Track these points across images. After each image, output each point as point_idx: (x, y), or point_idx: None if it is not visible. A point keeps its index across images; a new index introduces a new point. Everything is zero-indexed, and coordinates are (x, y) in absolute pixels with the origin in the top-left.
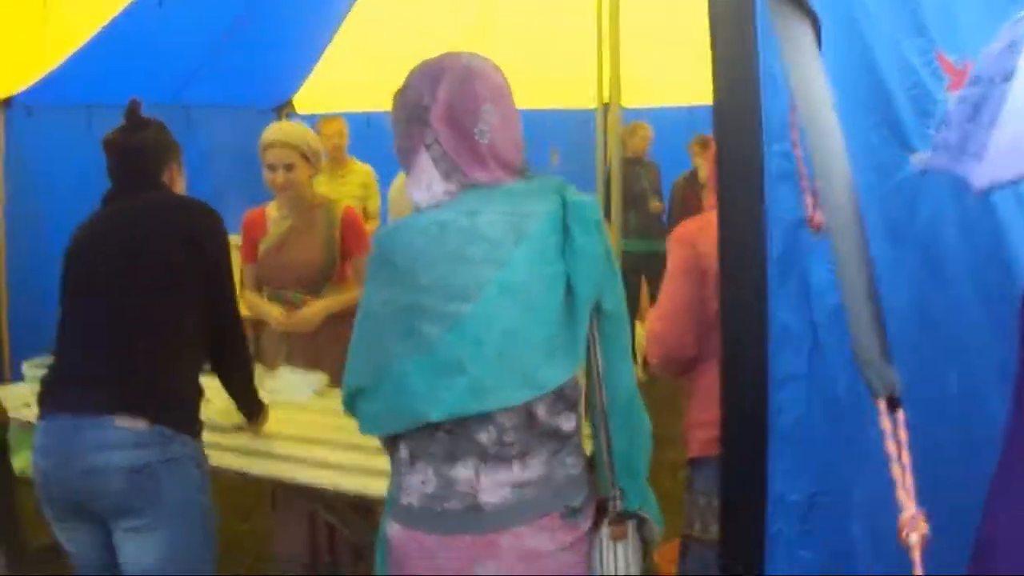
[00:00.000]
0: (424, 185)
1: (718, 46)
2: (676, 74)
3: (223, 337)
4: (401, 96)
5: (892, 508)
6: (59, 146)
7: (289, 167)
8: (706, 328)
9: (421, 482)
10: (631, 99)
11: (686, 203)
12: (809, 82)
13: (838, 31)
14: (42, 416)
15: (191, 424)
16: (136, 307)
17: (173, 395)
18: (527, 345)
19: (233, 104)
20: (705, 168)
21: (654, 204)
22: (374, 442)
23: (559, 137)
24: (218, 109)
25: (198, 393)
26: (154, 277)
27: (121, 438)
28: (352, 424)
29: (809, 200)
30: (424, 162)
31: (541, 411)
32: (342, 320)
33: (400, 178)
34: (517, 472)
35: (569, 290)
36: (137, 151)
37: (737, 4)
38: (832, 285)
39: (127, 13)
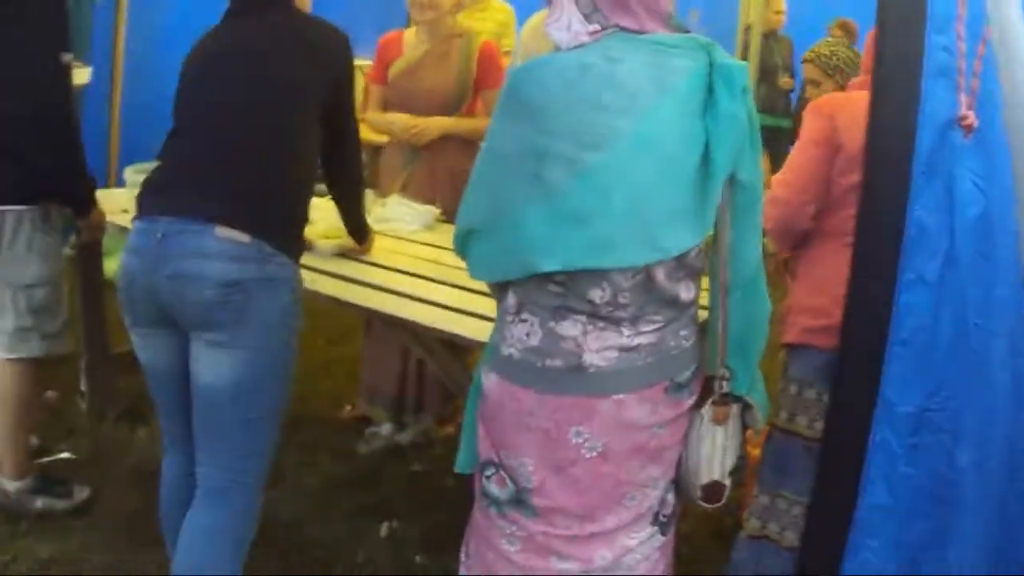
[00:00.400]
0: (564, 24)
1: None
2: None
3: (340, 153)
4: None
5: (1004, 446)
6: None
7: None
8: (828, 204)
9: (526, 334)
10: None
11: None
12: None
13: None
14: (139, 216)
15: (293, 245)
16: (250, 121)
17: (279, 212)
18: (655, 205)
19: None
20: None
21: (784, 80)
22: (477, 284)
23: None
24: None
25: (305, 216)
26: (271, 93)
27: (220, 248)
28: (455, 262)
29: (963, 99)
30: (565, 1)
31: (660, 275)
32: (462, 153)
33: (534, 18)
34: (627, 336)
35: (706, 154)
36: None
37: None
38: (975, 195)
39: None
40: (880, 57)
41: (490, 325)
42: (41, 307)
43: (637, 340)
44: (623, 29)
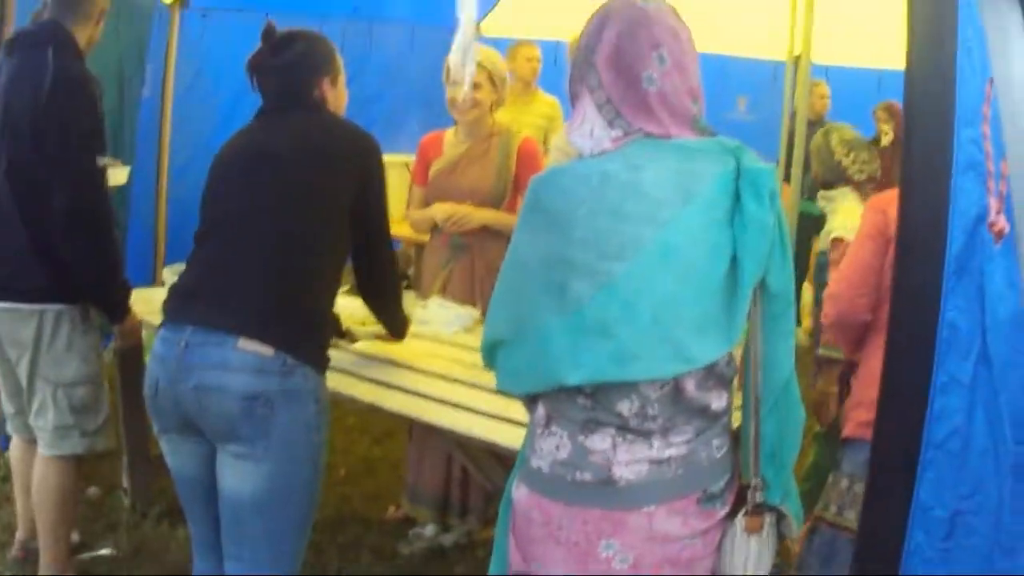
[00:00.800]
0: (587, 131)
1: (915, 17)
2: (867, 34)
3: (369, 258)
4: (576, 38)
5: None
6: (232, 50)
7: (475, 86)
8: (882, 297)
9: (555, 447)
10: (821, 55)
11: None
12: (1011, 76)
13: None
14: (164, 324)
15: (317, 356)
16: (273, 229)
17: (303, 322)
18: (682, 315)
19: (418, 22)
20: (889, 135)
21: None
22: None
23: (747, 86)
24: (402, 25)
25: (330, 325)
26: (294, 200)
27: (241, 361)
28: None
29: (993, 203)
30: (588, 107)
31: (690, 386)
32: (502, 251)
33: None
34: (657, 448)
35: (734, 262)
36: (281, 70)
37: None
38: (1006, 293)
39: None
40: (908, 152)
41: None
42: (82, 405)
43: (668, 452)
44: (647, 134)
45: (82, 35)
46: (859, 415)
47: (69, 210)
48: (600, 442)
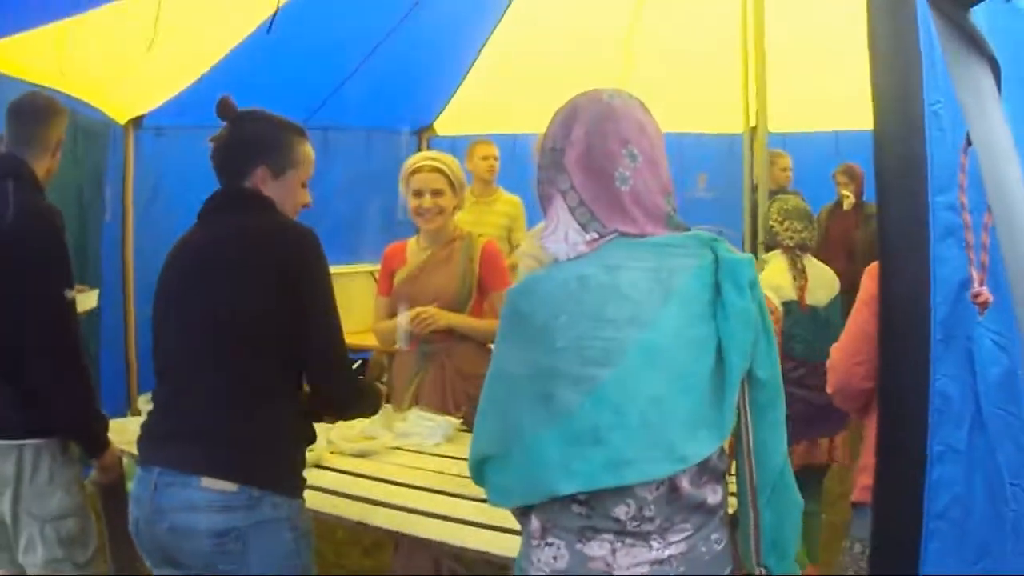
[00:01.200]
0: (561, 236)
1: (879, 86)
2: (821, 98)
3: (323, 378)
4: (542, 138)
5: None
6: (188, 167)
7: (437, 193)
8: None
9: (553, 557)
10: (777, 124)
11: (830, 234)
12: (993, 143)
13: (1010, 68)
14: (138, 463)
15: (286, 482)
16: (223, 352)
17: (266, 450)
18: (671, 414)
19: (373, 127)
20: (850, 198)
21: None
22: None
23: (705, 163)
24: (357, 132)
25: (298, 444)
26: (240, 320)
27: (206, 500)
28: None
29: (975, 274)
30: (560, 211)
31: (685, 483)
32: (471, 355)
33: (533, 232)
34: (657, 549)
35: (719, 355)
36: (217, 152)
37: (899, 37)
38: (995, 354)
39: (258, 34)
40: (884, 221)
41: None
42: (70, 538)
43: (667, 552)
44: (622, 234)
45: (40, 167)
46: (864, 479)
47: (38, 348)
48: (599, 548)
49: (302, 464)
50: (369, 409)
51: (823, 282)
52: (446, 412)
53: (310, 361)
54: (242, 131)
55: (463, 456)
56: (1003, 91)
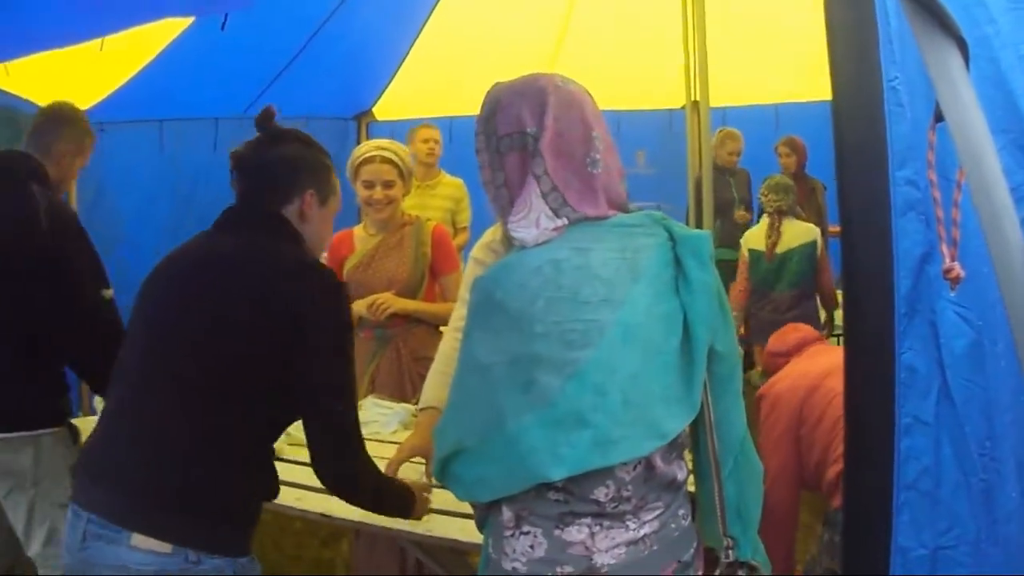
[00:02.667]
0: (532, 221)
1: (837, 57)
2: (761, 72)
3: (322, 452)
4: (490, 122)
5: None
6: (132, 162)
7: (388, 184)
8: None
9: (530, 546)
10: (717, 98)
11: None
12: (966, 121)
13: (971, 51)
14: (71, 498)
15: (231, 538)
16: (183, 414)
17: (212, 507)
18: (650, 392)
19: (312, 114)
20: (791, 168)
21: (739, 213)
22: None
23: (644, 139)
24: (297, 120)
25: (252, 500)
26: (206, 380)
27: (139, 561)
28: None
29: (946, 250)
30: (533, 197)
31: (658, 460)
32: (425, 338)
33: (487, 235)
34: (632, 529)
35: (685, 330)
36: (254, 167)
37: (857, 12)
38: (960, 327)
39: (197, 25)
40: (844, 196)
41: None
42: None
43: (642, 531)
44: (586, 218)
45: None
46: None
47: (91, 347)
48: (577, 533)
49: (255, 515)
50: (395, 512)
51: (794, 235)
52: (403, 396)
53: (311, 432)
54: (288, 150)
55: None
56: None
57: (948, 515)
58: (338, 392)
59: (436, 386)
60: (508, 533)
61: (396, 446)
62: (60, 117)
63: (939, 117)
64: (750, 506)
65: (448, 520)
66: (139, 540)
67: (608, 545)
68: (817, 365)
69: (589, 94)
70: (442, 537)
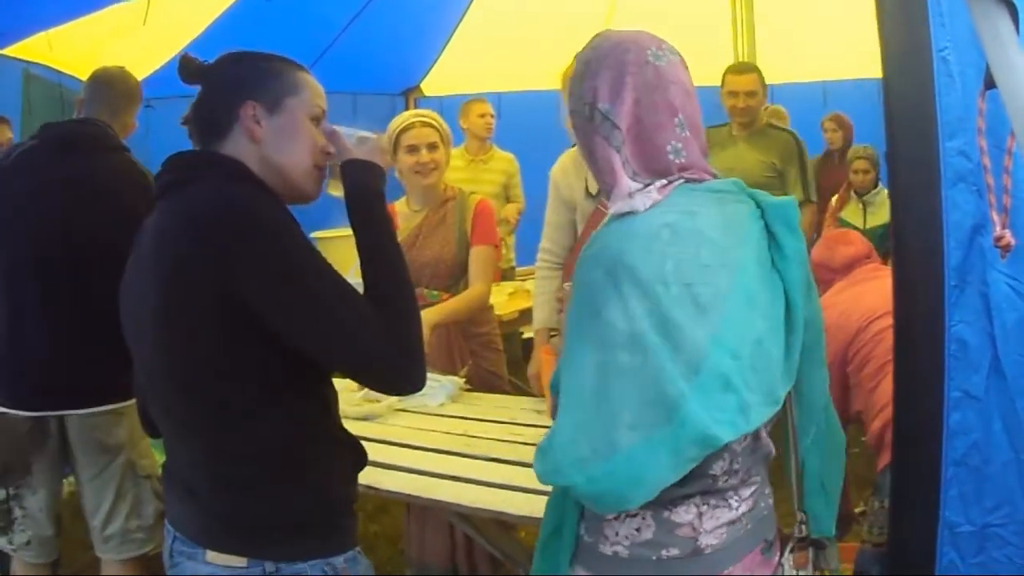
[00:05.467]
0: (631, 193)
1: (886, 29)
2: (809, 49)
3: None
4: (578, 85)
5: None
6: (180, 138)
7: (432, 147)
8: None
9: (636, 529)
10: (765, 75)
11: (822, 184)
12: (1014, 81)
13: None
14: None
15: (315, 544)
16: (205, 410)
17: (280, 516)
18: (770, 356)
19: (360, 90)
20: (837, 144)
21: None
22: (514, 454)
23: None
24: (345, 95)
25: (325, 496)
26: (203, 342)
27: (213, 574)
28: (487, 433)
29: (996, 217)
30: (617, 168)
31: (763, 430)
32: (475, 316)
33: (564, 157)
34: (733, 508)
35: (784, 295)
36: (194, 116)
37: None
38: (1012, 300)
39: (242, 2)
40: (894, 167)
41: (535, 498)
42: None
43: (740, 509)
44: (686, 180)
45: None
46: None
47: None
48: (686, 514)
49: (339, 509)
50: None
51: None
52: (452, 369)
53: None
54: (218, 77)
55: (470, 416)
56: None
57: (997, 492)
58: (330, 332)
59: (543, 305)
60: (611, 516)
61: (443, 419)
62: (116, 81)
63: (990, 83)
64: (834, 478)
65: (494, 492)
66: (213, 556)
67: (713, 525)
68: (864, 302)
69: (683, 64)
70: (489, 509)
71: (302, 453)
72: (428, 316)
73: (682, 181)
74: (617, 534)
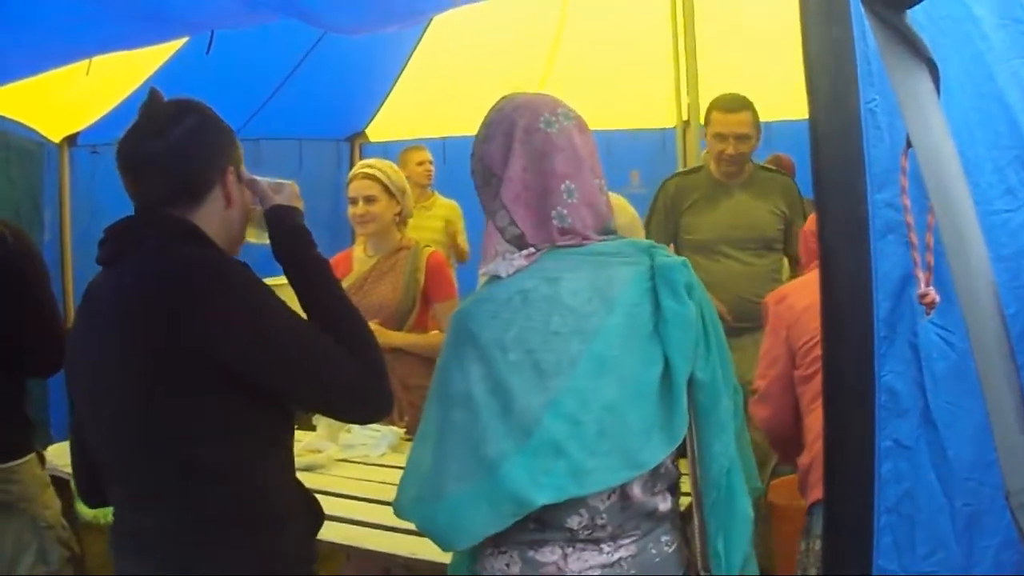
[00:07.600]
0: (500, 258)
1: (814, 85)
2: (753, 90)
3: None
4: (479, 147)
5: None
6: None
7: (369, 199)
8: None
9: (506, 564)
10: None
11: None
12: (933, 145)
13: (966, 69)
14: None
15: None
16: (167, 482)
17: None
18: (626, 422)
19: (305, 136)
20: None
21: None
22: None
23: (637, 159)
24: (290, 141)
25: (292, 552)
26: (173, 401)
27: None
28: None
29: (921, 275)
30: (498, 244)
31: (636, 491)
32: (413, 365)
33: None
34: (607, 552)
35: (665, 360)
36: (153, 160)
37: (834, 34)
38: (942, 348)
39: (191, 45)
40: (824, 222)
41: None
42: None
43: (617, 554)
44: (560, 246)
45: None
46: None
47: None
48: (551, 554)
49: (306, 559)
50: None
51: None
52: (391, 421)
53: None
54: (199, 140)
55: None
56: (955, 80)
57: (930, 539)
58: (302, 373)
59: None
60: (488, 551)
61: (383, 469)
62: None
63: (910, 143)
64: (732, 548)
65: (429, 542)
66: None
67: (580, 567)
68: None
69: (579, 126)
70: (424, 560)
71: (266, 513)
72: (390, 338)
73: (550, 247)
74: (493, 567)
